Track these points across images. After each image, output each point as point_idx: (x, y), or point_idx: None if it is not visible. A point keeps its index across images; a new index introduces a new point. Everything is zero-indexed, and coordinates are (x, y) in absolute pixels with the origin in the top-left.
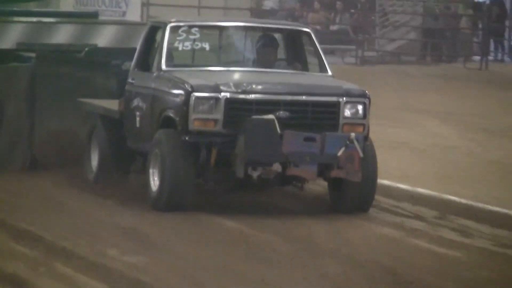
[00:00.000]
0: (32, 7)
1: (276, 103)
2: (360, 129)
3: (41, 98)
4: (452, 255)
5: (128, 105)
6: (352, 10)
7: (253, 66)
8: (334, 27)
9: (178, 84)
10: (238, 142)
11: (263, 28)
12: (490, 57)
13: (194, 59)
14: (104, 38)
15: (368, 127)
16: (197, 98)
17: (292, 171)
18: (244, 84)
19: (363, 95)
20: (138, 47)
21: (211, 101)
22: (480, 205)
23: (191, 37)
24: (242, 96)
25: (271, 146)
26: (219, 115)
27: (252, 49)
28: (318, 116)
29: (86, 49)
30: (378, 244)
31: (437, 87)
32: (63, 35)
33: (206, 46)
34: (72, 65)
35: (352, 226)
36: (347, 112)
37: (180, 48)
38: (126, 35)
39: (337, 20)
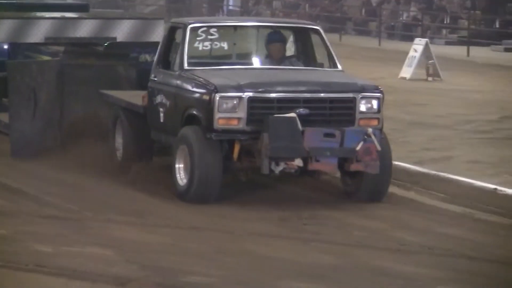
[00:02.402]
0: None
1: (296, 101)
2: (375, 122)
3: (68, 87)
4: None
5: (152, 100)
6: None
7: (266, 62)
8: None
9: (202, 84)
10: (261, 139)
11: (276, 26)
12: None
13: (212, 57)
14: (121, 32)
15: (382, 120)
16: (221, 97)
17: (314, 165)
18: (265, 83)
19: (377, 90)
20: (159, 46)
21: (235, 101)
22: None
23: (210, 37)
24: (263, 95)
25: (293, 143)
26: (242, 113)
27: (265, 46)
28: (335, 112)
29: (106, 43)
30: None
31: None
32: (85, 29)
33: (225, 46)
34: (96, 58)
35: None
36: (363, 107)
37: (200, 48)
38: (141, 29)
39: None
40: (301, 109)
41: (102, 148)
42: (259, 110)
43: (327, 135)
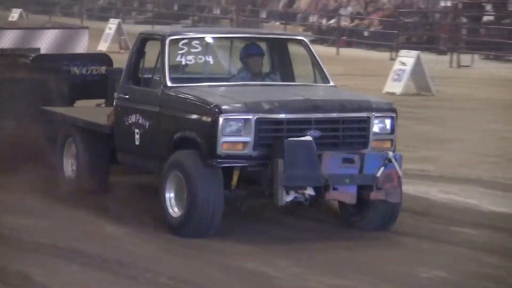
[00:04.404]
0: None
1: (307, 122)
2: (388, 144)
3: None
4: None
5: (122, 120)
6: None
7: (249, 77)
8: None
9: (199, 104)
10: (274, 166)
11: (263, 38)
12: None
13: (195, 73)
14: (45, 42)
15: (395, 142)
16: (226, 120)
17: (332, 195)
18: (272, 103)
19: (392, 109)
20: (128, 60)
21: (240, 123)
22: None
23: (192, 50)
24: (272, 115)
25: (310, 170)
26: (249, 137)
27: (242, 60)
28: (348, 134)
29: (32, 55)
30: None
31: None
32: (7, 40)
33: (210, 60)
34: (26, 71)
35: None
36: (376, 128)
37: (183, 62)
38: (65, 39)
39: None
40: (312, 131)
41: (38, 169)
42: (267, 133)
43: (345, 160)
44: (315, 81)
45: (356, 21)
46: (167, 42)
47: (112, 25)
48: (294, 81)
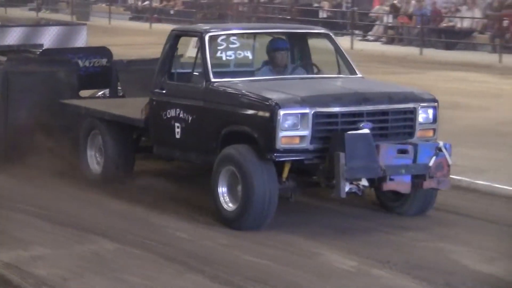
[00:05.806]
0: None
1: (359, 114)
2: (431, 133)
3: (13, 94)
4: None
5: (159, 115)
6: None
7: (278, 71)
8: None
9: (255, 99)
10: (335, 159)
11: (291, 33)
12: None
13: (233, 67)
14: (48, 38)
15: (438, 130)
16: (285, 114)
17: (389, 185)
18: (326, 97)
19: (434, 99)
20: (161, 56)
21: (298, 117)
22: None
23: (231, 46)
24: (328, 109)
25: (370, 162)
26: (306, 130)
27: (269, 54)
28: (396, 124)
29: (37, 51)
30: None
31: None
32: (13, 37)
33: (249, 54)
34: (38, 64)
35: None
36: (421, 118)
37: (224, 58)
38: (66, 35)
39: None
40: (364, 123)
41: (56, 158)
42: (322, 126)
43: (400, 151)
44: (339, 73)
45: (164, 2)
46: (206, 38)
47: None
48: (319, 74)
